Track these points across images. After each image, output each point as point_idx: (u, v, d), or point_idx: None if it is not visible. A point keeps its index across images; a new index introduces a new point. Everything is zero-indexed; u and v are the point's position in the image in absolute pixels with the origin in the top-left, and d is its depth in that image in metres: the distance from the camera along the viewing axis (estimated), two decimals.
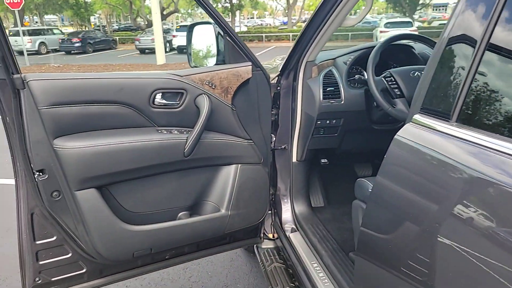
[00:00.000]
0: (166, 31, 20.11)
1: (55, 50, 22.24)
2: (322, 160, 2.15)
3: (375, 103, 1.82)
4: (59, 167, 1.40)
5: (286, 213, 2.05)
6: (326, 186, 2.28)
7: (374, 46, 1.78)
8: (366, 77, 1.70)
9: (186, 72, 1.58)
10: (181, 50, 20.05)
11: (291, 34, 24.75)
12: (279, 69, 1.95)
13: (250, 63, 1.65)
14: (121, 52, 22.15)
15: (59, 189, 1.46)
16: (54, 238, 1.54)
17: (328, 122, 1.91)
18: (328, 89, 1.85)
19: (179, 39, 19.53)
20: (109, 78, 1.43)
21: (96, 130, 1.45)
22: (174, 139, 1.53)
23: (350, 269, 1.60)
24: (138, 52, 21.16)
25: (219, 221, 1.72)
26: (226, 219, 1.74)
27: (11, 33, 21.15)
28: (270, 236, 2.15)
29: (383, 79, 1.68)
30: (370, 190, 1.42)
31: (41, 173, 1.43)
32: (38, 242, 1.52)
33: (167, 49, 19.82)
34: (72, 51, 21.75)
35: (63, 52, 21.95)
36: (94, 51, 22.23)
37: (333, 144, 2.03)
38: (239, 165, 1.74)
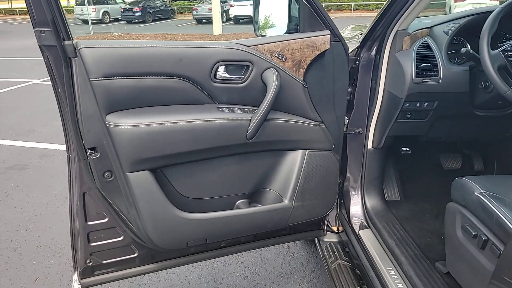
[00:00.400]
0: (223, 1, 19.85)
1: (117, 20, 22.92)
2: (403, 149, 1.86)
3: (483, 83, 1.49)
4: (112, 146, 1.26)
5: (355, 206, 1.81)
6: (402, 178, 2.00)
7: (485, 12, 1.43)
8: (472, 50, 1.37)
9: (252, 41, 1.36)
10: (237, 20, 19.76)
11: (353, 3, 23.37)
12: (359, 40, 1.67)
13: (328, 32, 1.39)
14: (178, 22, 22.33)
15: (111, 170, 1.34)
16: (106, 219, 1.45)
17: (418, 104, 1.60)
18: (422, 64, 1.53)
19: (236, 9, 19.21)
20: (167, 47, 1.25)
21: (151, 106, 1.29)
22: (237, 119, 1.34)
23: (439, 283, 1.35)
24: (195, 22, 21.18)
25: (281, 213, 1.54)
26: (289, 211, 1.54)
27: (77, 2, 22.05)
28: (334, 228, 1.93)
29: (501, 53, 1.34)
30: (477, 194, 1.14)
31: (93, 151, 1.31)
32: (90, 223, 1.43)
33: (224, 19, 19.62)
34: (133, 21, 22.28)
35: (124, 22, 22.55)
36: (153, 21, 22.60)
37: (420, 130, 1.73)
38: (307, 150, 1.52)
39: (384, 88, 1.60)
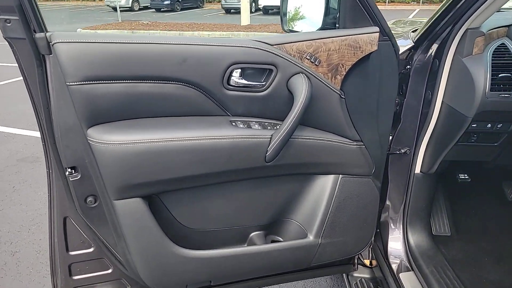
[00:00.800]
0: None
1: (146, 7, 22.90)
2: (461, 176, 1.52)
3: None
4: (96, 167, 1.01)
5: (395, 241, 1.50)
6: (453, 208, 1.66)
7: None
8: None
9: (278, 39, 1.07)
10: (266, 11, 19.31)
11: None
12: (413, 39, 1.34)
13: (376, 29, 1.08)
14: (207, 11, 22.08)
15: (95, 194, 1.09)
16: (92, 249, 1.20)
17: (489, 126, 1.27)
18: (500, 74, 1.19)
19: None
20: (168, 44, 0.98)
21: (146, 117, 1.02)
22: (254, 137, 1.06)
23: None
24: (224, 11, 20.86)
25: (304, 251, 1.25)
26: (315, 249, 1.26)
27: None
28: (367, 262, 1.63)
29: None
30: None
31: (73, 171, 1.06)
32: (72, 253, 1.19)
33: (253, 9, 19.22)
34: (162, 9, 22.18)
35: (153, 10, 22.49)
36: (182, 9, 22.43)
37: (486, 156, 1.39)
38: (340, 176, 1.23)
39: (442, 102, 1.27)
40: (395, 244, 1.49)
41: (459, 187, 1.62)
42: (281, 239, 1.32)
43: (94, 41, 0.92)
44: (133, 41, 0.95)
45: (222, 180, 1.12)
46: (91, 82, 0.93)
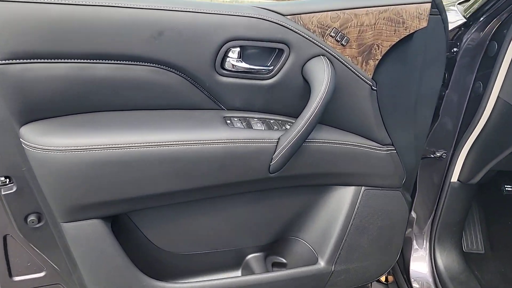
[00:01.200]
0: None
1: None
2: (507, 187, 1.26)
3: None
4: (36, 179, 0.73)
5: (419, 261, 1.25)
6: (489, 221, 1.41)
7: None
8: None
9: (292, 7, 0.78)
10: None
11: None
12: (464, 13, 1.04)
13: None
14: None
15: (39, 211, 0.82)
16: (43, 273, 0.95)
17: None
18: None
19: None
20: (137, 8, 0.68)
21: (106, 111, 0.75)
22: (255, 141, 0.79)
23: None
24: None
25: (313, 281, 1.01)
26: (326, 278, 1.01)
27: None
28: (382, 278, 1.40)
29: None
30: None
31: (7, 181, 0.78)
32: (16, 279, 0.93)
33: None
34: None
35: None
36: None
37: None
38: (363, 188, 0.97)
39: (498, 97, 0.99)
40: (419, 265, 1.25)
41: (502, 199, 1.36)
42: (284, 260, 1.07)
43: (26, 0, 0.63)
44: (85, 3, 0.65)
45: (211, 196, 0.85)
46: (22, 60, 0.64)
